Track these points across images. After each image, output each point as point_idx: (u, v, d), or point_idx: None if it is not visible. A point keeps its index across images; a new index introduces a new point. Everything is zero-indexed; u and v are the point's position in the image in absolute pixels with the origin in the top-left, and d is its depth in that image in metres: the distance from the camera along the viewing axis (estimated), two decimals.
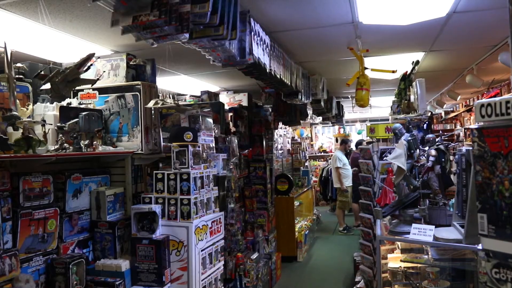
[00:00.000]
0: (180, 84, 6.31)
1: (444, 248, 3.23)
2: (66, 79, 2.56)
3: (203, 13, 2.34)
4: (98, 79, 2.86)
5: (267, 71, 3.85)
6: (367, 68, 5.21)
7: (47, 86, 2.65)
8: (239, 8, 2.78)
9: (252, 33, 3.35)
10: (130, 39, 3.84)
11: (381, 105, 11.69)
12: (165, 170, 3.64)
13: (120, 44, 4.06)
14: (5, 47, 2.02)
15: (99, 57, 3.90)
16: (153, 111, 3.80)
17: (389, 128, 5.13)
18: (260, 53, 3.55)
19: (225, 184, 4.47)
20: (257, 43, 3.48)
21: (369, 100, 5.56)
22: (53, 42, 3.74)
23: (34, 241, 2.96)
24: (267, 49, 3.84)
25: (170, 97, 5.58)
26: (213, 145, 4.22)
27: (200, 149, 3.73)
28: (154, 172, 3.60)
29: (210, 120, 4.21)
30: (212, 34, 2.57)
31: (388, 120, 9.94)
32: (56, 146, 3.09)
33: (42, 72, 2.74)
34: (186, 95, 6.66)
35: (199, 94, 6.31)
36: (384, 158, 4.59)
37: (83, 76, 2.80)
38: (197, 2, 2.33)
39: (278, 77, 4.24)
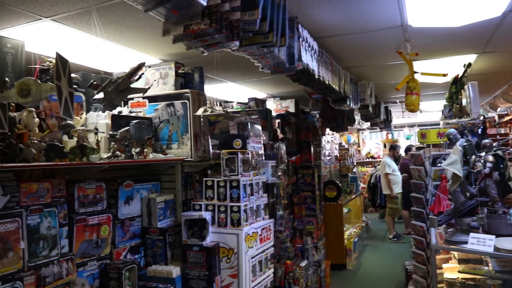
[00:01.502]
0: (227, 91, 6.36)
1: (507, 259, 3.09)
2: (118, 88, 2.62)
3: (252, 21, 2.35)
4: (149, 88, 2.92)
5: (316, 77, 3.83)
6: (416, 72, 5.09)
7: (100, 95, 2.72)
8: (287, 15, 2.77)
9: (300, 39, 3.34)
10: (178, 48, 3.93)
11: (431, 110, 11.39)
12: (214, 177, 3.66)
13: (168, 53, 4.13)
14: (56, 58, 2.09)
15: (149, 66, 3.98)
16: (202, 119, 3.83)
17: (441, 133, 4.98)
18: (308, 59, 3.53)
19: (274, 191, 4.45)
20: (306, 49, 3.46)
21: (419, 104, 5.43)
22: (104, 53, 3.86)
23: (88, 246, 3.03)
24: (315, 55, 3.82)
25: (217, 105, 5.63)
26: (262, 152, 4.21)
27: (249, 156, 3.73)
28: (204, 179, 3.63)
29: (259, 127, 4.21)
30: (262, 41, 2.57)
31: (439, 124, 9.69)
32: (108, 154, 3.17)
33: (95, 82, 2.82)
34: (233, 102, 6.70)
35: (245, 101, 6.34)
36: (438, 164, 4.46)
37: (134, 85, 2.86)
38: (247, 9, 2.34)
39: (327, 83, 4.21)
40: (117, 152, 3.18)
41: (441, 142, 5.32)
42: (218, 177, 3.62)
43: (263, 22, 2.44)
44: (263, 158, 4.27)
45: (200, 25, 2.23)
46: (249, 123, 3.94)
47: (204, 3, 2.13)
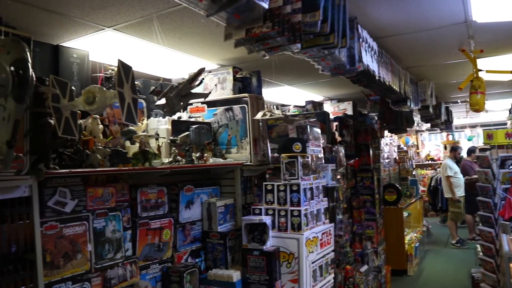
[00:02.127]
0: (283, 95, 6.32)
1: None
2: (180, 94, 2.64)
3: (313, 22, 2.30)
4: (209, 93, 2.93)
5: (376, 78, 3.72)
6: (481, 70, 4.86)
7: (162, 101, 2.75)
8: (348, 15, 2.70)
9: (360, 40, 3.26)
10: (236, 52, 3.91)
11: (496, 109, 10.88)
12: (273, 181, 3.62)
13: (226, 58, 4.14)
14: (118, 65, 2.11)
15: (210, 71, 4.00)
16: (260, 123, 3.81)
17: (510, 134, 4.72)
18: (368, 60, 3.43)
19: (334, 195, 4.36)
20: (366, 50, 3.37)
21: (484, 104, 5.18)
22: (163, 59, 3.91)
23: (151, 249, 3.07)
24: (375, 55, 3.71)
25: (274, 108, 5.60)
26: (322, 155, 4.14)
27: (309, 159, 3.67)
28: (264, 183, 3.60)
29: (318, 130, 4.15)
30: (323, 43, 2.51)
31: (505, 124, 9.24)
32: (169, 159, 3.20)
33: (157, 89, 2.85)
34: (289, 105, 6.66)
35: (302, 104, 6.29)
36: (511, 167, 4.23)
37: (194, 90, 2.87)
38: (308, 11, 2.29)
39: (387, 84, 4.09)
40: (177, 157, 3.20)
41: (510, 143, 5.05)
42: (278, 181, 3.58)
43: (324, 23, 2.38)
44: (323, 161, 4.20)
45: (262, 28, 2.20)
46: (308, 127, 3.88)
47: (266, 6, 2.10)
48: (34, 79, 1.80)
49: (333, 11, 2.47)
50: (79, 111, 2.74)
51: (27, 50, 1.77)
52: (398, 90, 4.69)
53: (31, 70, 1.75)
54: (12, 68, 1.69)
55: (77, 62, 3.25)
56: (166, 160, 3.19)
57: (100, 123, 3.00)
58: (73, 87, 2.38)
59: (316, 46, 2.53)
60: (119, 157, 2.74)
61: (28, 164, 2.16)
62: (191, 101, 3.98)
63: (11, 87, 1.69)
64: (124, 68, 2.04)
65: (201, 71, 2.75)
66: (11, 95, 1.70)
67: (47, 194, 2.42)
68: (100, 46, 3.44)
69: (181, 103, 2.67)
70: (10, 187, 2.13)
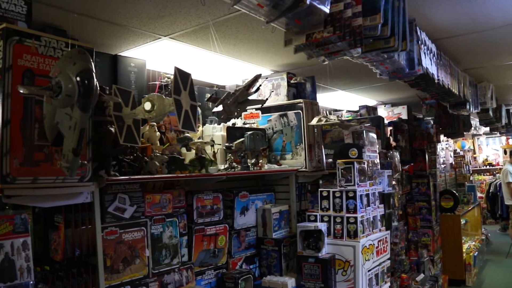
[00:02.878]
0: (336, 100, 6.24)
1: None
2: (237, 101, 2.64)
3: (374, 26, 2.24)
4: (267, 99, 2.92)
5: (435, 81, 3.60)
6: None
7: (219, 108, 2.75)
8: (407, 18, 2.62)
9: (419, 42, 3.16)
10: (290, 58, 3.90)
11: None
12: (327, 187, 3.57)
13: (280, 64, 4.11)
14: (175, 73, 2.12)
15: (266, 78, 3.99)
16: (315, 129, 3.76)
17: None
18: (428, 63, 3.32)
19: (391, 202, 4.25)
20: (424, 53, 3.27)
21: None
22: (217, 66, 3.92)
23: (206, 255, 3.09)
24: (434, 58, 3.59)
25: (327, 113, 5.53)
26: (378, 161, 4.05)
27: (365, 165, 3.59)
28: (320, 189, 3.56)
29: (374, 135, 4.06)
30: (383, 47, 2.45)
31: None
32: (225, 165, 3.20)
33: (214, 95, 2.87)
34: (342, 110, 6.57)
35: (355, 109, 6.17)
36: None
37: (251, 97, 2.86)
38: (368, 14, 2.23)
39: (446, 87, 3.94)
40: (233, 163, 3.20)
41: None
42: (332, 187, 3.52)
43: (384, 26, 2.32)
44: (379, 167, 4.10)
45: (323, 33, 2.16)
46: (364, 132, 3.81)
47: (327, 11, 2.06)
48: (98, 89, 1.84)
49: (393, 14, 2.40)
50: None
51: (91, 60, 1.81)
52: (457, 93, 4.53)
53: (95, 80, 1.78)
54: (78, 79, 1.73)
55: (135, 71, 3.31)
56: (221, 167, 3.20)
57: (157, 130, 3.04)
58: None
59: (375, 50, 2.47)
60: (176, 164, 2.77)
61: (91, 171, 2.21)
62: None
63: (77, 96, 1.73)
64: (181, 75, 2.05)
65: (258, 77, 2.74)
66: (77, 104, 1.74)
67: (107, 200, 2.47)
68: (156, 55, 3.49)
69: (238, 110, 2.66)
70: (74, 193, 2.19)
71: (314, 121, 3.55)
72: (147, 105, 2.07)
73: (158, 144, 3.06)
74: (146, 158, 2.63)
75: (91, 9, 2.63)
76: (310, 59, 2.64)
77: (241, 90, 2.65)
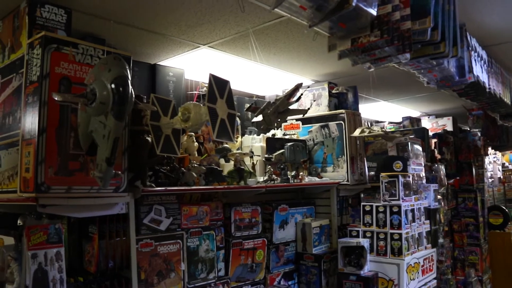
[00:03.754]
0: (378, 111, 6.05)
1: None
2: (277, 111, 2.53)
3: (423, 30, 2.10)
4: (308, 109, 2.79)
5: (486, 90, 3.39)
6: None
7: (259, 118, 2.66)
8: (458, 22, 2.45)
9: (470, 49, 2.97)
10: (331, 67, 3.78)
11: None
12: (368, 201, 3.42)
13: (321, 73, 3.99)
14: (209, 80, 2.04)
15: (308, 87, 3.88)
16: (357, 140, 3.62)
17: None
18: (478, 71, 3.13)
19: (437, 217, 4.04)
20: (475, 59, 3.08)
21: None
22: (257, 76, 3.84)
23: (243, 270, 2.97)
24: (484, 65, 3.39)
25: (369, 125, 5.36)
26: (423, 174, 3.85)
27: (410, 179, 3.41)
28: (362, 203, 3.40)
29: (419, 147, 3.87)
30: (432, 53, 2.29)
31: None
32: (265, 177, 3.09)
33: (253, 105, 2.77)
34: (384, 122, 6.37)
35: (398, 120, 5.97)
36: None
37: (292, 106, 2.75)
38: (417, 18, 2.09)
39: (498, 96, 3.72)
40: (273, 175, 3.10)
41: None
42: (375, 202, 3.36)
43: (434, 31, 2.16)
44: (424, 181, 3.90)
45: (369, 37, 2.03)
46: (409, 144, 3.63)
47: (374, 13, 1.93)
48: (133, 96, 1.77)
49: (443, 18, 2.24)
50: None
51: (127, 67, 1.75)
52: (509, 102, 4.28)
53: (130, 87, 1.71)
54: (112, 85, 1.67)
55: (173, 80, 3.27)
56: (261, 179, 3.10)
57: (195, 140, 2.97)
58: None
59: (424, 56, 2.32)
60: (214, 175, 2.68)
61: (126, 181, 2.14)
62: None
63: (112, 104, 1.66)
64: (217, 82, 1.96)
65: (299, 86, 2.64)
66: (111, 112, 1.67)
67: (143, 211, 2.40)
68: (195, 64, 3.43)
69: (278, 120, 2.56)
70: (108, 204, 2.13)
71: (356, 133, 3.41)
72: (183, 114, 1.98)
73: (196, 155, 2.99)
74: (183, 169, 2.55)
75: (130, 17, 2.59)
76: (353, 67, 2.52)
77: (281, 100, 2.54)
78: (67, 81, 1.92)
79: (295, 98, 2.63)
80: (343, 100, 3.81)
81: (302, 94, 2.66)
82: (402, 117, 5.46)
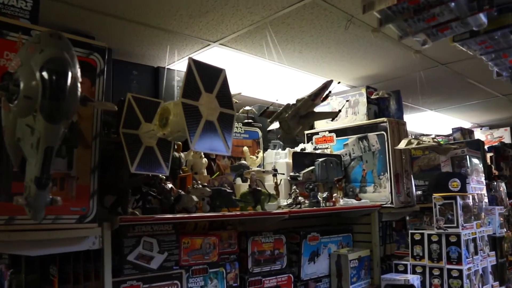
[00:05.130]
0: (423, 123, 5.32)
1: None
2: (298, 114, 1.91)
3: None
4: (339, 111, 2.09)
5: None
6: None
7: (275, 125, 2.05)
8: None
9: None
10: (368, 68, 3.15)
11: None
12: (417, 225, 2.75)
13: (356, 77, 3.36)
14: (188, 66, 1.45)
15: (343, 91, 3.26)
16: (403, 154, 2.95)
17: None
18: None
19: (504, 247, 3.29)
20: None
21: None
22: (280, 80, 3.24)
23: None
24: None
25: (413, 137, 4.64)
26: (486, 194, 3.12)
27: (471, 200, 2.71)
28: (410, 232, 2.75)
29: (478, 162, 3.15)
30: None
31: None
32: (289, 201, 2.47)
33: (269, 109, 2.13)
34: (430, 135, 5.60)
35: (446, 132, 5.22)
36: None
37: (318, 109, 2.12)
38: None
39: None
40: (299, 198, 2.47)
41: None
42: (426, 228, 2.67)
43: None
44: (486, 202, 3.17)
45: None
46: (467, 157, 2.92)
47: None
48: (79, 90, 1.20)
49: None
50: (180, 143, 2.20)
51: (69, 47, 1.19)
52: None
53: (71, 75, 1.15)
54: (43, 73, 1.10)
55: (180, 85, 2.72)
56: (284, 202, 2.47)
57: (203, 156, 2.39)
58: None
59: (501, 28, 1.64)
60: (222, 199, 2.09)
61: (95, 208, 1.58)
62: (316, 130, 3.27)
63: (41, 99, 1.10)
64: (202, 70, 1.36)
65: (328, 84, 2.02)
66: (40, 110, 1.11)
67: (127, 245, 1.84)
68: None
69: (300, 126, 1.93)
70: (72, 239, 1.58)
71: (402, 145, 2.75)
72: (161, 118, 1.40)
73: (205, 173, 2.41)
74: (180, 191, 1.97)
75: (121, 9, 2.12)
76: (396, 68, 1.88)
77: (304, 101, 1.92)
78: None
79: (322, 97, 2.00)
80: (384, 107, 3.15)
81: (330, 92, 2.01)
82: (452, 129, 4.72)
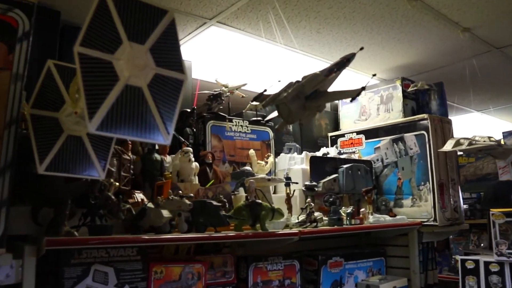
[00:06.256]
0: (466, 126, 4.61)
1: None
2: (303, 94, 1.32)
3: None
4: (363, 88, 1.43)
5: None
6: None
7: (274, 114, 1.49)
8: None
9: None
10: (405, 55, 2.54)
11: None
12: (462, 244, 2.11)
13: (389, 67, 2.74)
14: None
15: (373, 85, 2.68)
16: (448, 160, 2.32)
17: None
18: None
19: None
20: None
21: None
22: (292, 70, 2.64)
23: None
24: None
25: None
26: None
27: None
28: (460, 258, 2.12)
29: None
30: None
31: None
32: (301, 217, 1.89)
33: (266, 92, 1.51)
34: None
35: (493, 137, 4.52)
36: None
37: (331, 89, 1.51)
38: None
39: None
40: (315, 214, 1.88)
41: None
42: (480, 253, 2.03)
43: None
44: None
45: None
46: None
47: None
48: None
49: None
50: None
51: None
52: None
53: None
54: None
55: None
56: (294, 219, 1.89)
57: (192, 159, 1.85)
58: None
59: None
60: (206, 214, 1.54)
61: (2, 225, 1.07)
62: (342, 132, 2.70)
63: None
64: (128, 6, 0.81)
65: (349, 57, 1.44)
66: None
67: (69, 277, 1.31)
68: (203, 51, 2.33)
69: (306, 111, 1.33)
70: None
71: (448, 146, 2.14)
72: (73, 90, 0.87)
73: (196, 180, 1.87)
74: (148, 203, 1.44)
75: None
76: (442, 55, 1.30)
77: (311, 77, 1.33)
78: None
79: (339, 71, 1.40)
80: (424, 102, 2.54)
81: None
82: (503, 132, 4.02)
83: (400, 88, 2.57)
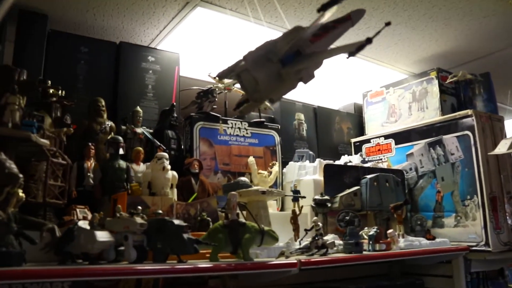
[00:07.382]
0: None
1: None
2: (275, 55, 0.87)
3: None
4: (368, 39, 0.93)
5: None
6: None
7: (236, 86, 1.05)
8: None
9: None
10: (440, 42, 2.04)
11: None
12: None
13: (422, 58, 2.25)
14: None
15: (403, 80, 2.22)
16: (500, 168, 1.81)
17: None
18: None
19: None
20: None
21: None
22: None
23: None
24: None
25: None
26: None
27: None
28: None
29: None
30: None
31: None
32: (305, 241, 1.42)
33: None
34: None
35: None
36: None
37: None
38: None
39: None
40: (322, 238, 1.41)
41: None
42: None
43: None
44: None
45: None
46: None
47: None
48: None
49: None
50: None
51: None
52: None
53: None
54: None
55: (156, 69, 1.81)
56: (295, 245, 1.42)
57: (168, 167, 1.44)
58: None
59: None
60: (166, 238, 1.10)
61: None
62: (367, 137, 2.24)
63: None
64: None
65: (359, 14, 0.98)
66: None
67: None
68: (191, 40, 1.93)
69: (282, 81, 0.86)
70: None
71: (502, 148, 1.63)
72: None
73: (169, 194, 1.45)
74: (77, 223, 1.03)
75: None
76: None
77: (295, 28, 0.85)
78: None
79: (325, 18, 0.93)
80: (466, 97, 2.05)
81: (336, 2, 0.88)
82: None
83: (436, 82, 2.09)
